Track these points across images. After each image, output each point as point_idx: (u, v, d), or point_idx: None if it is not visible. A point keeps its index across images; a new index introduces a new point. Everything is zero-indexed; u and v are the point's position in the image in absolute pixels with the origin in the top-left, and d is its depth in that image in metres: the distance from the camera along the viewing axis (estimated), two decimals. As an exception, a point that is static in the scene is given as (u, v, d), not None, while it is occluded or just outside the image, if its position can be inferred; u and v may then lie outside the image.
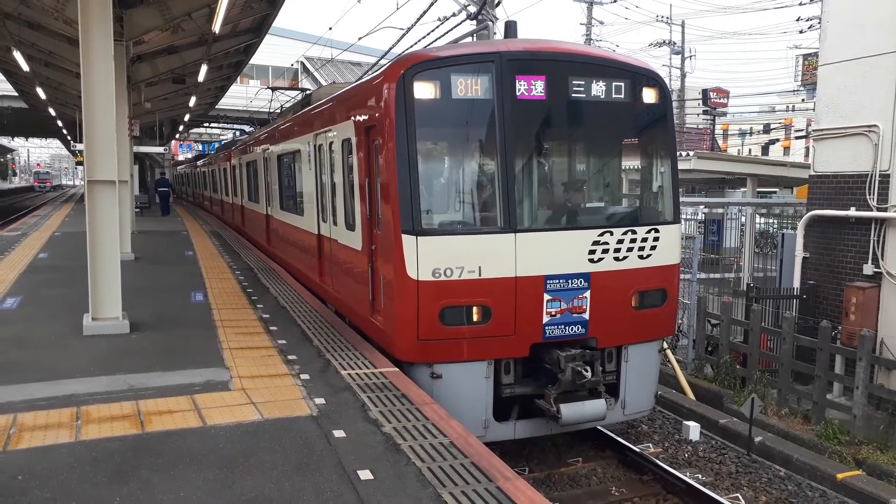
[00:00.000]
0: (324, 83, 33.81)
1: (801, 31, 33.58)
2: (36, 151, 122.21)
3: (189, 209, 33.64)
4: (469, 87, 6.77)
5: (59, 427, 5.18)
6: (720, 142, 48.09)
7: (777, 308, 11.31)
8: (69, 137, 39.50)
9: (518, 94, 6.85)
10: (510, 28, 7.99)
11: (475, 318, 6.76)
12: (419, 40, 14.72)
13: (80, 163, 32.97)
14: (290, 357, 7.09)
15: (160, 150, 34.41)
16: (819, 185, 11.01)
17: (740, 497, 7.44)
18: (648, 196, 7.98)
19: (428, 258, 6.62)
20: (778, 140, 54.89)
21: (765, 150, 55.85)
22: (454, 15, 13.41)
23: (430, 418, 5.43)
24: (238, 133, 39.52)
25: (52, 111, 30.64)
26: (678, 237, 7.80)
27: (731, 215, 16.15)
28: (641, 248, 7.29)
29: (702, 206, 18.46)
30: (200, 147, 60.87)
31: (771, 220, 17.84)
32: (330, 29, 24.96)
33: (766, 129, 55.84)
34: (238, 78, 27.84)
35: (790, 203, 16.82)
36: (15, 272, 12.19)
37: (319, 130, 9.76)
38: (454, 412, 5.89)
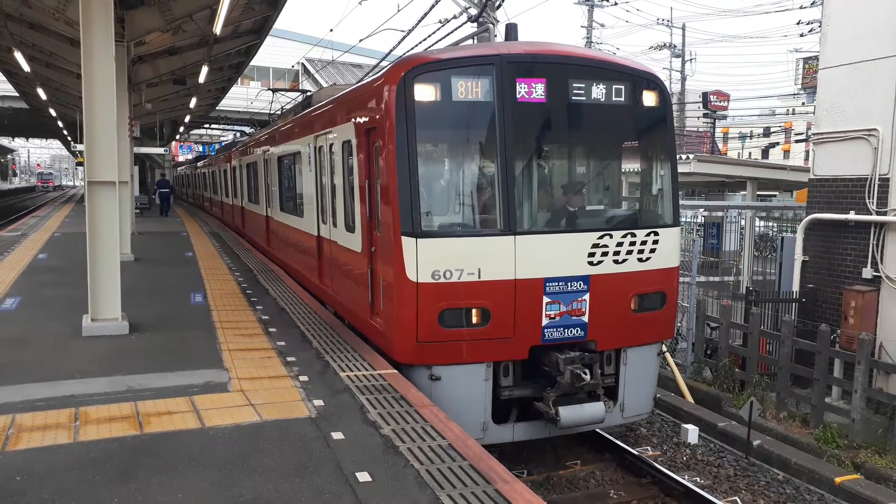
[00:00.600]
0: (324, 85, 33.87)
1: (801, 35, 33.75)
2: (36, 152, 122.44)
3: (189, 210, 33.66)
4: (469, 89, 6.78)
5: (57, 428, 5.18)
6: (720, 145, 48.15)
7: (776, 311, 11.30)
8: (69, 138, 39.54)
9: (518, 96, 6.86)
10: (511, 31, 7.99)
11: (474, 320, 6.76)
12: (420, 42, 14.76)
13: (80, 163, 33.03)
14: (289, 359, 7.09)
15: (160, 151, 34.45)
16: (819, 189, 11.02)
17: (738, 500, 7.44)
18: (648, 199, 7.98)
19: (427, 260, 6.62)
20: (778, 143, 54.98)
21: (765, 153, 55.95)
22: (455, 17, 13.45)
23: (429, 420, 5.43)
24: (238, 134, 39.58)
25: (52, 112, 30.70)
26: (678, 240, 7.80)
27: (731, 219, 16.15)
28: (641, 251, 7.29)
29: (701, 210, 18.47)
30: (201, 148, 60.94)
31: (771, 224, 17.85)
32: (331, 31, 25.02)
33: (767, 133, 55.92)
34: (239, 79, 27.90)
35: (790, 206, 16.83)
36: (14, 273, 12.19)
37: (320, 132, 9.77)
38: (453, 414, 5.89)
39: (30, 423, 5.26)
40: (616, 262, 7.18)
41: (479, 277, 6.71)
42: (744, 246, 14.75)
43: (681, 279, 9.13)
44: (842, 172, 10.52)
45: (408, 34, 15.10)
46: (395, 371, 6.76)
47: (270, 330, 8.31)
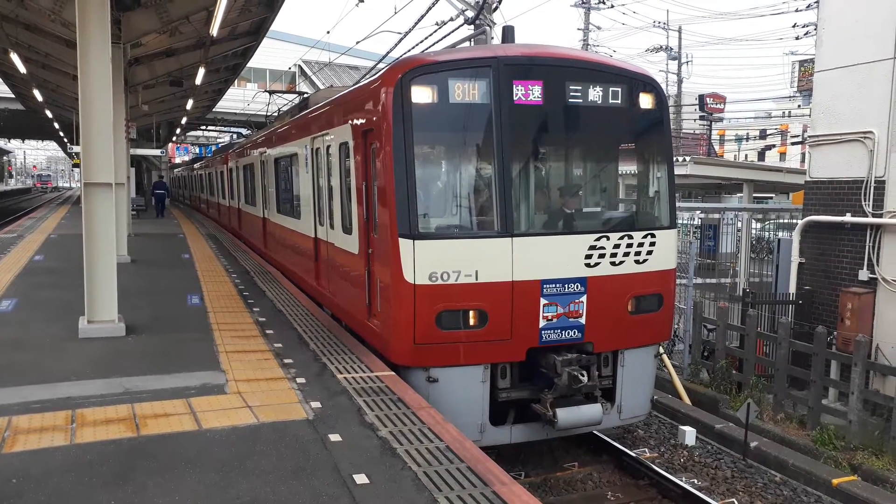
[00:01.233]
0: (321, 87, 33.83)
1: (797, 38, 33.84)
2: (32, 153, 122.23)
3: (186, 212, 33.60)
4: (466, 91, 6.78)
5: (53, 430, 5.16)
6: (717, 147, 48.23)
7: (773, 313, 11.33)
8: (66, 140, 39.48)
9: (515, 98, 6.86)
10: (508, 33, 8.00)
11: (472, 322, 6.76)
12: (417, 45, 14.75)
13: (76, 165, 32.96)
14: (286, 361, 7.08)
15: (157, 152, 34.38)
16: (815, 191, 11.04)
17: (736, 502, 7.45)
18: (645, 201, 7.99)
19: (424, 262, 6.62)
20: (774, 146, 55.09)
21: (761, 155, 56.06)
22: (452, 20, 13.43)
23: (427, 422, 5.43)
24: (235, 136, 39.50)
25: (48, 113, 30.61)
26: (674, 242, 7.82)
27: (728, 221, 16.17)
28: (638, 253, 7.30)
29: (698, 212, 18.50)
30: (197, 150, 60.84)
31: (767, 225, 17.88)
32: (328, 32, 25.02)
33: (763, 135, 56.03)
34: (235, 81, 27.85)
35: (786, 208, 16.87)
36: (10, 274, 12.16)
37: (317, 134, 9.76)
38: (450, 416, 5.88)
39: (26, 426, 5.24)
40: (613, 263, 7.18)
41: (477, 279, 6.71)
42: (740, 248, 14.77)
43: (678, 281, 9.14)
44: (838, 175, 10.55)
45: (405, 36, 15.10)
46: (393, 373, 6.75)
47: (267, 332, 8.29)
